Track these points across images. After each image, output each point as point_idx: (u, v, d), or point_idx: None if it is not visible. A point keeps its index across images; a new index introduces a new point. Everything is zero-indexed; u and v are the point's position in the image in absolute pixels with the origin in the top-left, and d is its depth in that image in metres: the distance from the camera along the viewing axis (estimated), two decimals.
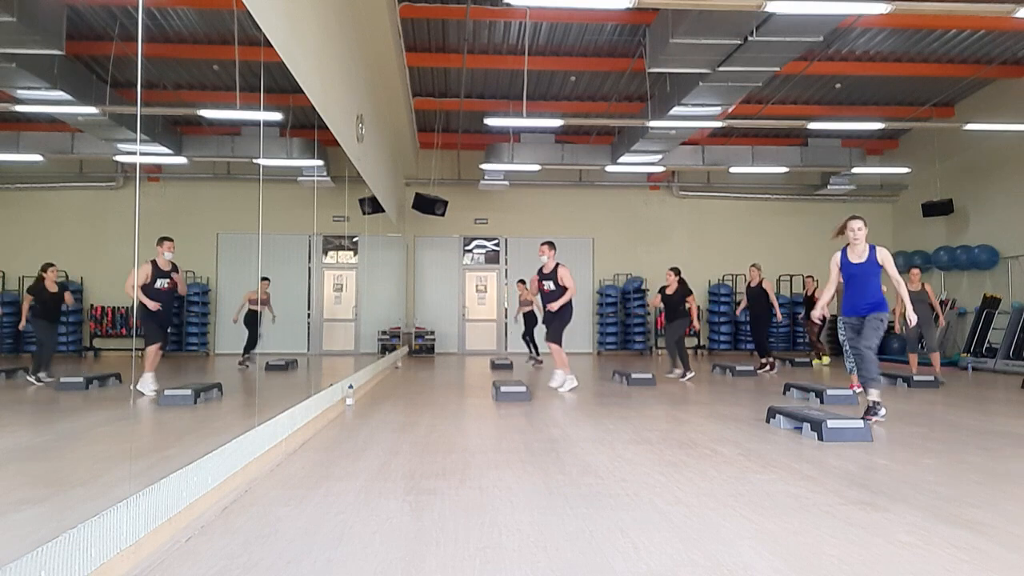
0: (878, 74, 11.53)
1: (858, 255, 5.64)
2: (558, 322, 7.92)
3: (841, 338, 5.81)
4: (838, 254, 5.80)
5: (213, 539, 2.67)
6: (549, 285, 7.90)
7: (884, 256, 5.59)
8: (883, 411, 5.53)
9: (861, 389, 7.08)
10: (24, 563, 1.82)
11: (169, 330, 7.35)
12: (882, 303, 5.59)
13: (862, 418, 5.09)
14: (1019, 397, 7.81)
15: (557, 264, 7.94)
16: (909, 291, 8.97)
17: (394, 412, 6.32)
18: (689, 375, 9.38)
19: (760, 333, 10.70)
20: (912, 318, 5.60)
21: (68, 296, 7.80)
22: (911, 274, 9.37)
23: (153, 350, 6.78)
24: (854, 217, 5.71)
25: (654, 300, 10.09)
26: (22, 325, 7.63)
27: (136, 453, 3.92)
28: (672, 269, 9.76)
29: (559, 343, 7.97)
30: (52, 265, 7.77)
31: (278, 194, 12.29)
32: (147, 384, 6.55)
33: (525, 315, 12.61)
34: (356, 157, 7.60)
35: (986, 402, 7.44)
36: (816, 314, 5.96)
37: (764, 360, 10.50)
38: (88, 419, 5.87)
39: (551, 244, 8.00)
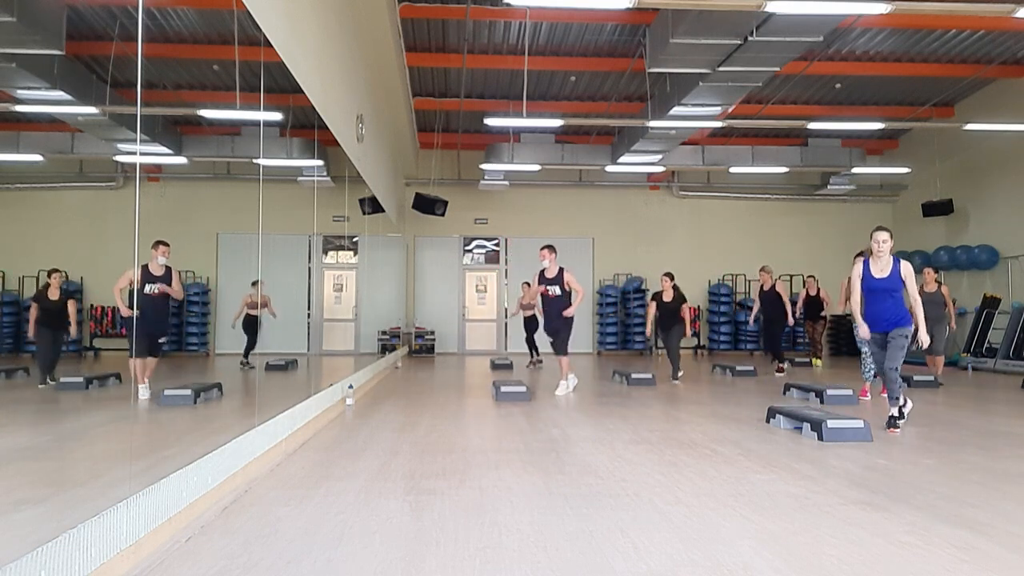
0: (878, 74, 11.52)
1: (880, 268, 5.39)
2: (568, 331, 7.75)
3: (859, 344, 5.44)
4: (860, 265, 5.50)
5: (213, 539, 2.67)
6: (555, 290, 7.67)
7: (908, 272, 5.37)
8: (901, 424, 5.32)
9: (869, 396, 7.17)
10: (24, 563, 1.82)
11: (163, 341, 7.05)
12: (905, 317, 5.34)
13: (887, 428, 5.22)
14: (1019, 397, 7.81)
15: (561, 268, 7.71)
16: (924, 292, 8.58)
17: (394, 412, 6.32)
18: (680, 374, 9.17)
19: (775, 337, 10.52)
20: (924, 340, 5.29)
21: (71, 306, 7.30)
22: (926, 274, 8.99)
23: (137, 364, 6.37)
24: (880, 228, 5.48)
25: (649, 310, 9.50)
26: (31, 334, 7.18)
27: (136, 453, 3.91)
28: (667, 274, 9.40)
29: (567, 352, 7.84)
30: (57, 271, 7.34)
31: (278, 194, 12.24)
32: (142, 393, 6.31)
33: (526, 319, 12.43)
34: (356, 157, 7.60)
35: (986, 402, 7.44)
36: (863, 333, 5.48)
37: (781, 365, 10.31)
38: (88, 419, 5.87)
39: (552, 248, 7.75)
